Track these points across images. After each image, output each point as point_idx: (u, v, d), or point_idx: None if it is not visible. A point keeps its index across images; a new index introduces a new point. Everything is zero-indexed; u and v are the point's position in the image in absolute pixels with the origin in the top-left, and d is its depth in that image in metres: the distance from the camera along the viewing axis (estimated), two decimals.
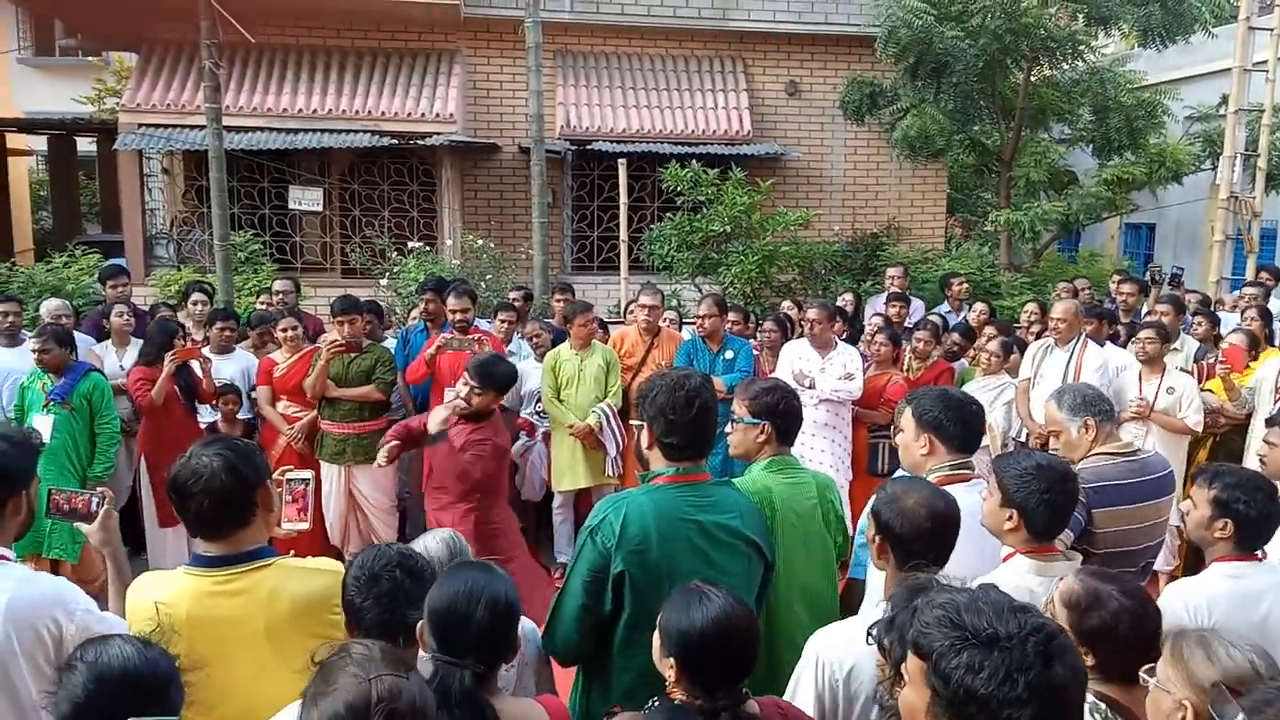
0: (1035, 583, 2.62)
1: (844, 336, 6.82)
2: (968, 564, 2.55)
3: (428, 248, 10.83)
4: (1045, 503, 2.68)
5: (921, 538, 2.45)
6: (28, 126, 14.97)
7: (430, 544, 2.75)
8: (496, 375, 4.72)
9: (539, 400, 6.66)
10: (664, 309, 6.93)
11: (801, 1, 12.18)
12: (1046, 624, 1.54)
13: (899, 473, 3.47)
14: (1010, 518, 2.72)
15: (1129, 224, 16.53)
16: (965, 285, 8.80)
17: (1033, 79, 10.80)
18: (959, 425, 3.03)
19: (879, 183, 13.00)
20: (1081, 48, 10.43)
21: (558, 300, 7.90)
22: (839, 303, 7.83)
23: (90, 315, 7.62)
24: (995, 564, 2.80)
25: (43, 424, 5.25)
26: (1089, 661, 2.22)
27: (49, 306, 6.94)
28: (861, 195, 12.99)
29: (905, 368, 6.64)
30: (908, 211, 13.08)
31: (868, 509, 2.66)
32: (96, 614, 2.39)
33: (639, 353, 6.71)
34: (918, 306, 8.52)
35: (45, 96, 18.18)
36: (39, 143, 16.70)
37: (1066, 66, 10.81)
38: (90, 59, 18.51)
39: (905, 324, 7.70)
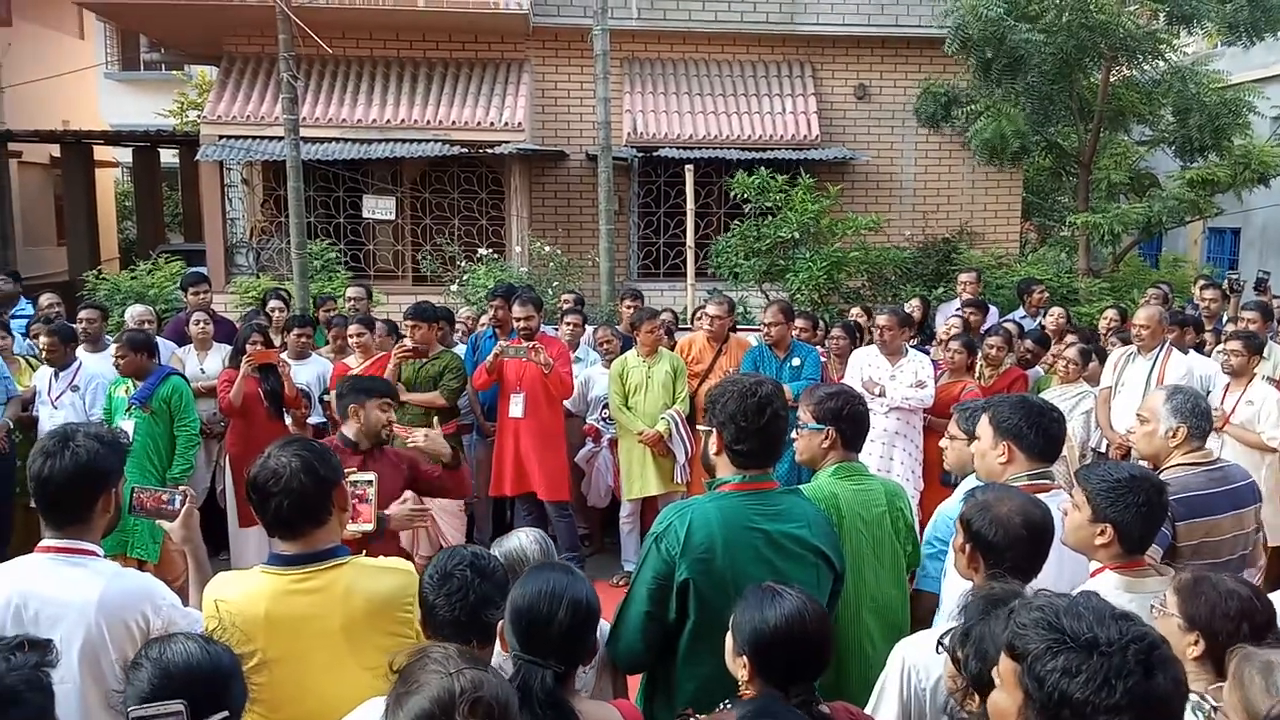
0: (1125, 600, 2.48)
1: (914, 344, 6.70)
2: (1047, 577, 2.48)
3: (496, 255, 10.95)
4: (1143, 516, 2.58)
5: (1016, 547, 2.39)
6: (114, 139, 15.52)
7: (525, 542, 2.77)
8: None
9: (605, 406, 6.68)
10: (730, 318, 6.90)
11: (871, 4, 12.06)
12: (1149, 633, 1.50)
13: (968, 480, 3.39)
14: (1103, 532, 2.60)
15: (1213, 228, 16.01)
16: (1046, 294, 8.55)
17: (1112, 79, 10.52)
18: (1039, 433, 2.96)
19: (951, 186, 12.78)
20: (1162, 47, 10.13)
21: (626, 307, 7.90)
22: (907, 309, 7.69)
23: (171, 321, 7.86)
24: (1076, 577, 2.70)
25: (125, 427, 5.42)
26: (1196, 652, 2.16)
27: (132, 313, 7.18)
28: (933, 200, 12.78)
29: (977, 375, 6.51)
30: (981, 216, 12.82)
31: (955, 517, 2.59)
32: (181, 609, 2.47)
33: (707, 359, 6.69)
34: (992, 314, 8.34)
35: (130, 110, 18.88)
36: (125, 155, 17.31)
37: (1147, 66, 10.50)
38: (173, 73, 19.17)
39: (980, 330, 7.53)
